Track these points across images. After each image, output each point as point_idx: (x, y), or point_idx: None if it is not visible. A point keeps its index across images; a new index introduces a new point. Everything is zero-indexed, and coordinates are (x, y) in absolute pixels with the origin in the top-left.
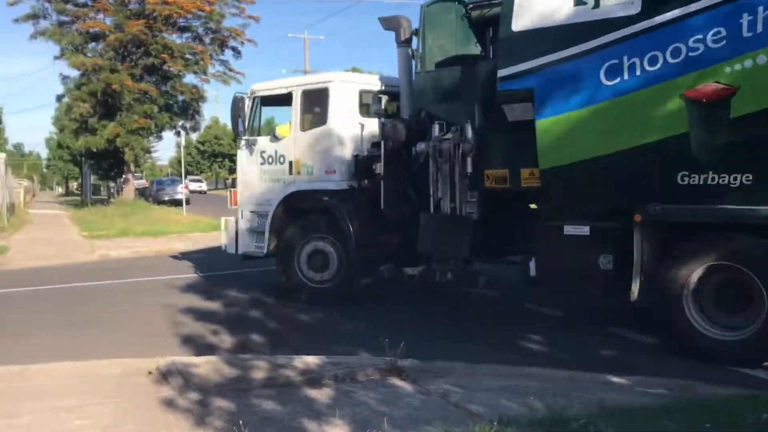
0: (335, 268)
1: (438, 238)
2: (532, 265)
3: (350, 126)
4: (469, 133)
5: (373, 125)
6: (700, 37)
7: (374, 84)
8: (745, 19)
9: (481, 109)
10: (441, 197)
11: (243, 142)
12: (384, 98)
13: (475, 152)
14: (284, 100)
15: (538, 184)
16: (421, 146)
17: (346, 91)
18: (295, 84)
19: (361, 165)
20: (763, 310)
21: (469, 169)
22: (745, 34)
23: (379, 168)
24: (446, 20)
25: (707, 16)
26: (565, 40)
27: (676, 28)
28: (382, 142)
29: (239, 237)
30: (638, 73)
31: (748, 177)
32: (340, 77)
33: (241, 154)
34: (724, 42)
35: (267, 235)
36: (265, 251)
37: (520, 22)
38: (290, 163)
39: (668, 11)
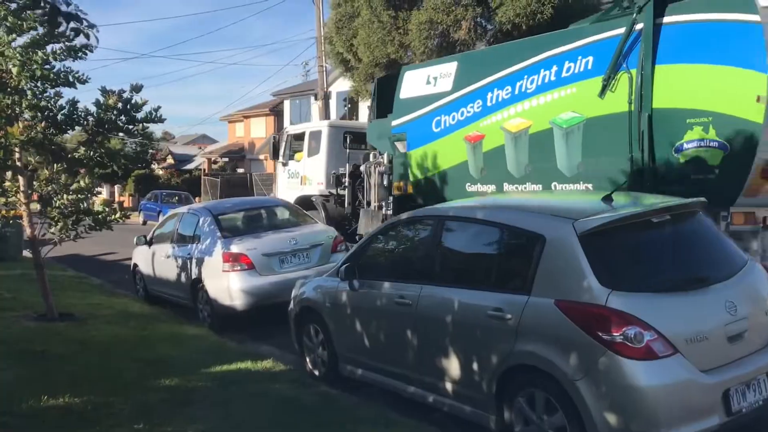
0: None
1: (365, 223)
2: None
3: (335, 155)
4: (386, 160)
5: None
6: (473, 104)
7: (356, 127)
8: (488, 97)
9: (391, 145)
10: (370, 200)
11: (280, 165)
12: (349, 137)
13: (388, 171)
14: (302, 137)
15: (412, 192)
16: (362, 168)
17: (334, 132)
18: (306, 127)
19: (335, 179)
20: None
21: (385, 183)
22: (489, 104)
23: (345, 181)
24: (389, 88)
25: (473, 94)
26: (419, 105)
27: (462, 99)
28: (347, 165)
29: None
30: (447, 125)
31: (492, 187)
32: (331, 123)
33: (278, 172)
34: (480, 108)
35: None
36: None
37: (402, 93)
38: (301, 177)
39: (462, 89)
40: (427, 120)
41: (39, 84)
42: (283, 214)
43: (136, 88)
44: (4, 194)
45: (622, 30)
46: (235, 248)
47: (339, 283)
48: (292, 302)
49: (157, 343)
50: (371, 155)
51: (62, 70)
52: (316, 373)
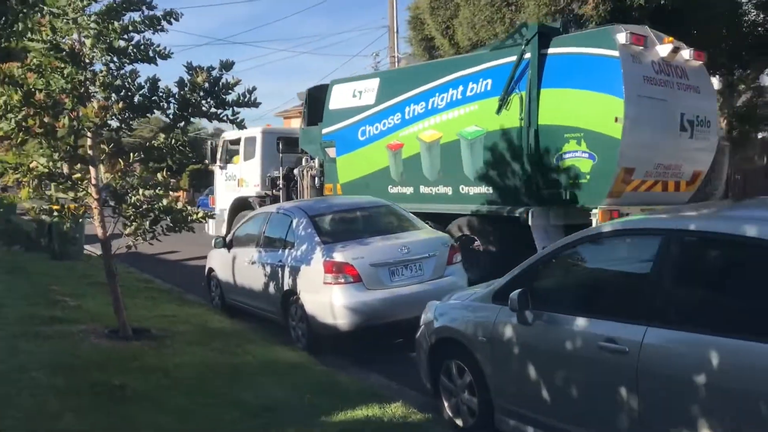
0: None
1: None
2: None
3: (269, 158)
4: (317, 164)
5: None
6: (393, 117)
7: (288, 133)
8: (406, 110)
9: (322, 150)
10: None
11: (217, 168)
12: (282, 142)
13: (319, 174)
14: (238, 142)
15: (341, 193)
16: (295, 171)
17: (268, 138)
18: (242, 133)
19: (270, 181)
20: None
21: (317, 184)
22: (407, 117)
23: (280, 183)
24: (319, 98)
25: (393, 107)
26: (346, 116)
27: (384, 112)
28: (281, 168)
29: (215, 224)
30: (371, 134)
31: (410, 189)
32: (265, 130)
33: (216, 174)
34: (399, 120)
35: (225, 222)
36: (224, 233)
37: (332, 105)
38: (238, 180)
39: (383, 103)
40: (353, 129)
41: (115, 58)
42: (386, 216)
43: (227, 65)
44: (73, 188)
45: (514, 58)
46: (338, 256)
47: (499, 311)
48: (422, 329)
49: (254, 377)
50: (303, 159)
51: (142, 42)
52: (459, 423)
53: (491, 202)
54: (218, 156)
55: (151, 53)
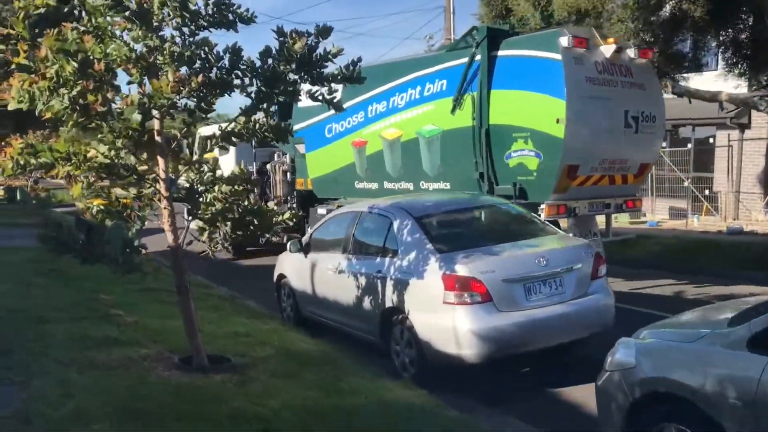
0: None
1: None
2: (309, 229)
3: (243, 153)
4: (288, 159)
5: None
6: (357, 115)
7: None
8: (368, 109)
9: (292, 146)
10: (277, 194)
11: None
12: None
13: (291, 169)
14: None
15: (312, 188)
16: (268, 165)
17: None
18: (215, 129)
19: None
20: None
21: (289, 179)
22: (369, 116)
23: (254, 178)
24: None
25: (357, 106)
26: (314, 114)
27: (349, 110)
28: (254, 163)
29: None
30: (336, 132)
31: (375, 185)
32: None
33: None
34: (362, 119)
35: None
36: None
37: (300, 103)
38: None
39: (347, 101)
40: (321, 127)
41: (188, 20)
42: (504, 217)
43: (323, 31)
44: (138, 183)
45: (466, 59)
46: (461, 269)
47: (766, 365)
48: (610, 375)
49: (375, 429)
50: (276, 155)
51: (221, 1)
52: None
53: None
54: (194, 151)
55: (231, 16)
